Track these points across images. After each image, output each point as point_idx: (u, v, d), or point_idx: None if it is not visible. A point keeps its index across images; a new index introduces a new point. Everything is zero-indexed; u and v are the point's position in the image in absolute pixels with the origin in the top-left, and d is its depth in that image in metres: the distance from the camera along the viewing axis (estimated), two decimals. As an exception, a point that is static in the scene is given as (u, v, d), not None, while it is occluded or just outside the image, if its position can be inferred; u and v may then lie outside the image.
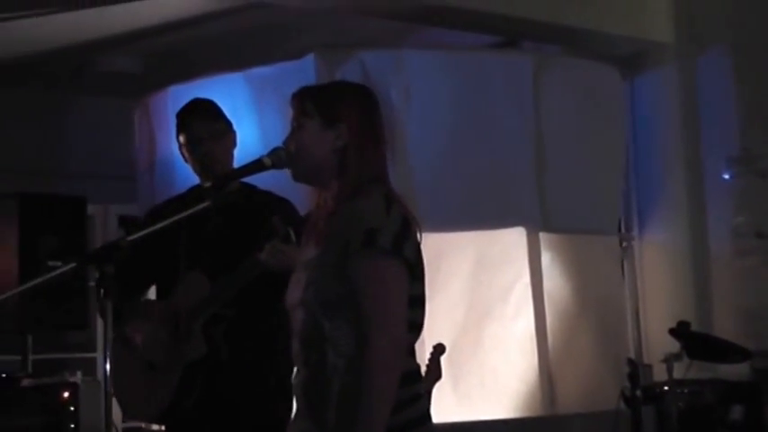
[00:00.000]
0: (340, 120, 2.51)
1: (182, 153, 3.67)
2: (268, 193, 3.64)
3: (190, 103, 3.74)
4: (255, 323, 3.49)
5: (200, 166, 3.58)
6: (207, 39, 6.44)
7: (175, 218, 2.63)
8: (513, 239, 5.48)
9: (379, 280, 2.38)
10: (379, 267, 2.38)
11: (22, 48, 6.41)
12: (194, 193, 3.56)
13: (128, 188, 6.32)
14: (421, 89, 5.35)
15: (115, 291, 2.87)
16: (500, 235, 5.46)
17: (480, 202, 5.39)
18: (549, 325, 5.51)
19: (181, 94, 5.56)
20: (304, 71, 5.20)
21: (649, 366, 5.82)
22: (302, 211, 3.47)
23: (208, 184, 2.54)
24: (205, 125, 3.60)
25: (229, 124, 3.67)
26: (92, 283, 6.05)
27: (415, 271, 2.45)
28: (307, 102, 2.55)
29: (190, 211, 2.56)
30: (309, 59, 5.24)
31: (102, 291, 2.42)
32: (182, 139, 3.64)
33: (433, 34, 6.26)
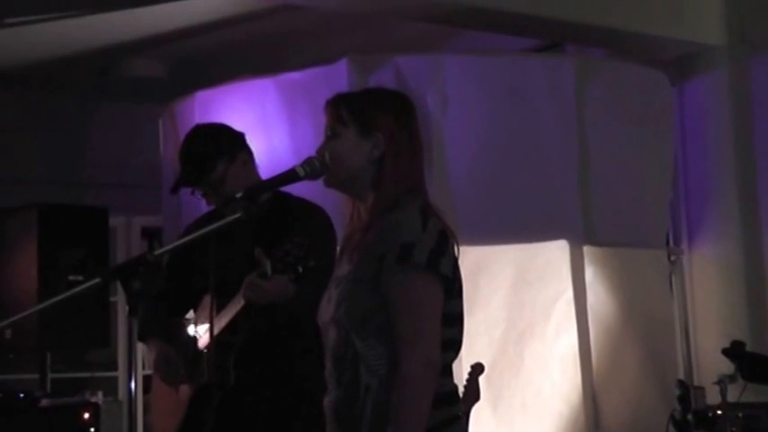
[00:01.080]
0: (377, 129, 2.54)
1: None
2: (302, 204, 3.68)
3: (181, 146, 3.81)
4: (264, 349, 3.53)
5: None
6: (235, 42, 6.47)
7: (202, 232, 2.63)
8: (556, 253, 5.46)
9: (412, 296, 2.40)
10: (413, 283, 2.40)
11: (44, 51, 6.47)
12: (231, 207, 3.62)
13: (152, 198, 6.33)
14: (458, 96, 5.34)
15: (143, 308, 2.89)
16: (542, 248, 5.43)
17: (521, 213, 5.37)
18: (593, 343, 5.48)
19: (208, 100, 5.62)
20: (336, 77, 5.20)
21: (701, 388, 5.76)
22: (336, 219, 3.54)
23: (239, 194, 2.56)
24: (193, 175, 3.69)
25: (223, 153, 3.69)
26: (113, 299, 6.12)
27: (451, 287, 2.47)
28: (342, 109, 2.57)
29: (217, 225, 2.56)
30: (342, 65, 5.24)
31: (130, 309, 2.45)
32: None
33: (470, 38, 6.27)
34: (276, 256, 3.16)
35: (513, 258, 5.41)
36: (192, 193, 3.75)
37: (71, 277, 5.29)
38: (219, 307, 3.52)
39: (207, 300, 3.56)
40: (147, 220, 7.09)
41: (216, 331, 3.48)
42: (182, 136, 5.81)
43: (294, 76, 5.45)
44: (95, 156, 7.39)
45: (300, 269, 3.13)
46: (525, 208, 5.38)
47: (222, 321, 3.50)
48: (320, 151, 2.59)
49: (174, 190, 3.77)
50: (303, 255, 3.12)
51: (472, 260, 5.07)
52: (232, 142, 3.77)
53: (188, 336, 3.70)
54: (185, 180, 3.73)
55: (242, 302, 3.39)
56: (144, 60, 6.75)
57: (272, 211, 3.67)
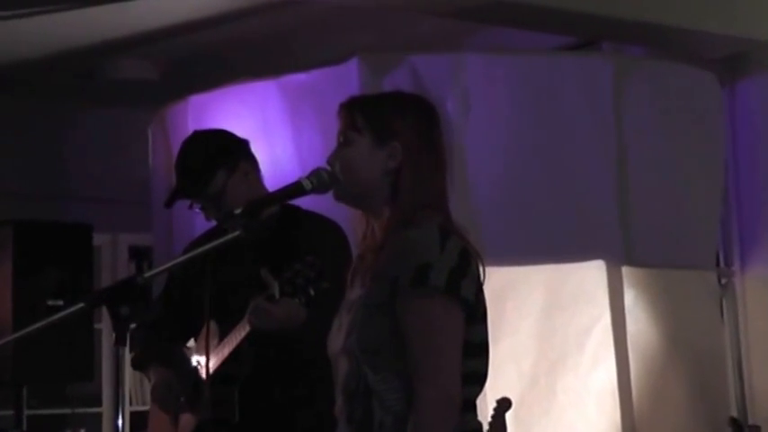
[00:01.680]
0: (394, 137, 2.56)
1: None
2: (314, 218, 3.71)
3: (177, 154, 3.86)
4: (272, 381, 3.54)
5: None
6: (234, 41, 6.49)
7: (198, 251, 2.63)
8: (592, 275, 5.45)
9: (429, 324, 2.42)
10: (430, 309, 2.42)
11: (21, 51, 6.49)
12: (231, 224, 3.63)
13: (141, 214, 6.34)
14: (482, 100, 5.34)
15: (140, 336, 2.87)
16: (576, 269, 5.42)
17: (552, 230, 5.36)
18: (633, 376, 5.47)
19: (203, 105, 5.64)
20: (346, 78, 5.21)
21: (756, 427, 5.76)
22: (347, 237, 3.55)
23: (238, 211, 2.57)
24: (190, 186, 3.73)
25: (223, 163, 3.71)
26: (98, 326, 6.12)
27: (474, 313, 2.48)
28: (357, 114, 2.60)
29: (214, 244, 2.56)
30: (353, 65, 5.24)
31: (117, 337, 2.44)
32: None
33: (495, 35, 6.26)
34: (285, 277, 3.15)
35: (543, 280, 5.40)
36: (190, 206, 3.76)
37: (50, 302, 5.29)
38: (223, 334, 3.53)
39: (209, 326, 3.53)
40: (135, 238, 7.10)
41: (218, 362, 3.49)
42: (173, 145, 5.88)
43: (299, 77, 5.47)
44: (78, 167, 7.41)
45: (312, 292, 3.13)
46: (557, 224, 5.38)
47: (225, 351, 3.50)
48: (330, 161, 2.61)
49: (169, 203, 3.78)
50: (315, 276, 3.12)
51: (498, 282, 4.98)
52: (233, 150, 3.78)
53: (191, 366, 3.70)
54: (181, 192, 3.74)
55: (247, 329, 3.39)
56: (133, 61, 6.76)
57: (281, 226, 3.68)
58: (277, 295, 3.16)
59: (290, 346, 3.46)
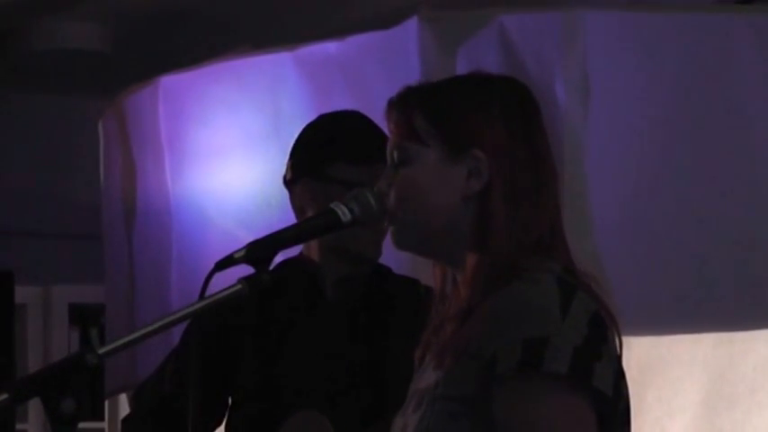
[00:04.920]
0: (475, 144, 2.60)
1: None
2: (409, 284, 3.96)
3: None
4: None
5: None
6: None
7: (186, 310, 2.65)
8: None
9: (545, 428, 2.45)
10: (546, 404, 2.45)
11: None
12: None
13: (86, 256, 6.36)
14: (609, 79, 5.32)
15: None
16: (752, 342, 5.39)
17: (716, 281, 5.32)
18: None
19: (181, 89, 5.72)
20: (400, 48, 5.19)
21: None
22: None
23: (240, 253, 2.59)
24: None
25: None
26: (22, 427, 6.11)
27: (612, 411, 2.52)
28: (417, 115, 2.64)
29: (206, 301, 2.61)
30: (410, 28, 5.21)
31: None
32: None
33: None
34: None
35: (703, 359, 5.39)
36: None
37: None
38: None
39: (311, 418, 3.74)
40: (78, 291, 7.11)
41: None
42: (136, 148, 5.89)
43: (326, 48, 5.49)
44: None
45: None
46: (723, 271, 5.32)
47: None
48: (380, 189, 2.68)
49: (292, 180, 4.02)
50: None
51: (635, 361, 5.01)
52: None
53: None
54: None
55: None
56: (74, 24, 6.79)
57: (370, 293, 3.94)
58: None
59: None
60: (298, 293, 3.92)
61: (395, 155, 2.65)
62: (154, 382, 4.14)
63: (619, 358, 2.56)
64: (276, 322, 3.90)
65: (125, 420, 4.22)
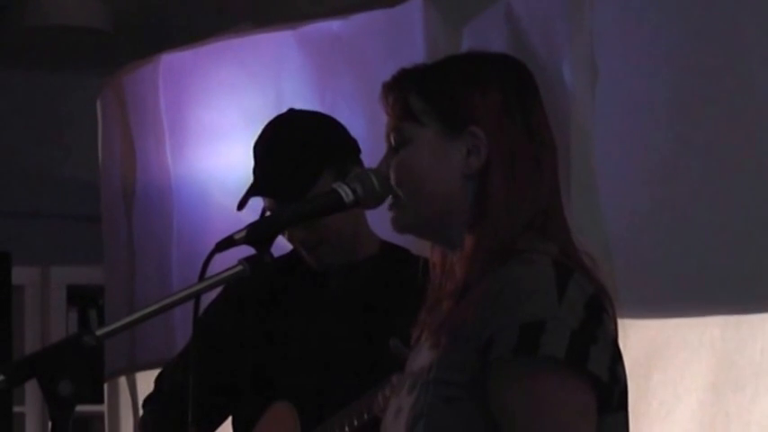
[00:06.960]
0: (474, 121, 2.61)
1: None
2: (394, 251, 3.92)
3: (262, 134, 4.14)
4: None
5: None
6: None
7: (186, 291, 2.65)
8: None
9: (539, 414, 2.46)
10: (544, 389, 2.47)
11: None
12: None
13: (85, 237, 6.35)
14: (618, 58, 5.31)
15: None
16: (761, 325, 5.38)
17: (726, 265, 5.31)
18: None
19: (181, 67, 5.76)
20: (403, 26, 5.20)
21: None
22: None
23: (240, 234, 2.59)
24: (290, 183, 3.90)
25: (331, 162, 3.91)
26: (18, 410, 6.12)
27: (609, 395, 2.53)
28: (412, 95, 2.66)
29: (208, 282, 2.61)
30: (415, 5, 5.21)
31: (54, 424, 2.44)
32: None
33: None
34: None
35: (710, 342, 5.37)
36: (263, 214, 3.88)
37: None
38: (308, 423, 3.71)
39: (280, 410, 3.74)
40: (77, 273, 7.12)
41: None
42: (136, 125, 5.90)
43: (329, 26, 5.50)
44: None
45: None
46: (735, 254, 5.32)
47: None
48: (382, 167, 2.70)
49: (242, 205, 3.96)
50: None
51: (640, 344, 5.04)
52: (348, 150, 3.97)
53: None
54: (265, 188, 3.94)
55: (363, 418, 3.51)
56: (74, 1, 6.78)
57: (381, 267, 3.91)
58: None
59: None
60: (298, 286, 3.95)
61: (392, 137, 2.67)
62: (173, 365, 4.18)
63: (615, 341, 2.55)
64: (278, 317, 3.91)
65: (146, 400, 4.23)
